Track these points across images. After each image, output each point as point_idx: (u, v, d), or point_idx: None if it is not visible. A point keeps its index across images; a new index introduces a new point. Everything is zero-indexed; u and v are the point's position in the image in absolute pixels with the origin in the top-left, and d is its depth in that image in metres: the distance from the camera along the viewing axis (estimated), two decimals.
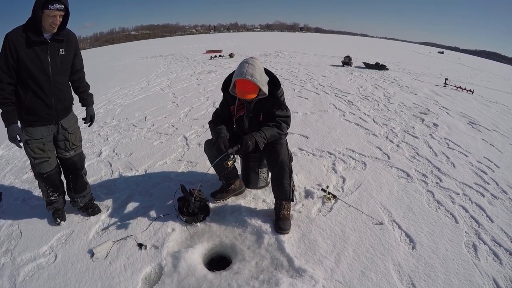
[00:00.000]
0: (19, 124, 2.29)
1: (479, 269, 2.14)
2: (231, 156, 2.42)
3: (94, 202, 2.92)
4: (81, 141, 2.71)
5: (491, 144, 4.47)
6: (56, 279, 2.16)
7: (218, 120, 2.73)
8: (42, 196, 2.68)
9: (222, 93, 2.71)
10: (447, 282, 2.04)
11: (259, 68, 2.38)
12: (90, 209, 2.82)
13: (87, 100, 2.69)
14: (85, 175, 2.84)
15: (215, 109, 2.91)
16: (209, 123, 2.78)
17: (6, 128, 2.21)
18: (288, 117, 2.63)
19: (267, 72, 2.53)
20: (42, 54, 2.19)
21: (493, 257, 2.26)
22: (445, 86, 8.96)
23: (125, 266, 2.23)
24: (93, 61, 18.15)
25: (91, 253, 2.36)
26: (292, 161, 2.64)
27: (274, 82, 2.53)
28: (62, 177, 2.72)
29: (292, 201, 2.63)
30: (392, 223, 2.63)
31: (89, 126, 2.77)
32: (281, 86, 2.58)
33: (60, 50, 2.30)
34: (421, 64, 16.12)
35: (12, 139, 2.22)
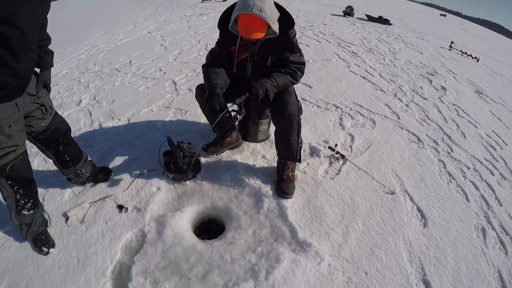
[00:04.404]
0: None
1: (487, 257, 1.97)
2: (241, 110, 1.99)
3: (97, 165, 2.39)
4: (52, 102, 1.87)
5: (498, 118, 4.23)
6: (28, 247, 1.86)
7: (215, 63, 2.18)
8: (9, 213, 1.76)
9: (218, 32, 2.17)
10: (455, 269, 1.86)
11: (269, 1, 1.83)
12: (102, 173, 2.32)
13: (43, 60, 1.69)
14: None
15: (207, 52, 2.36)
16: (203, 66, 2.21)
17: None
18: (303, 63, 2.16)
19: (278, 6, 1.96)
20: None
21: (499, 245, 2.09)
22: (450, 49, 8.55)
23: (103, 232, 1.93)
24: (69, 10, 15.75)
25: (66, 217, 2.04)
26: (301, 113, 2.21)
27: (286, 19, 1.99)
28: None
29: (299, 161, 2.26)
30: (404, 193, 2.40)
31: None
32: (295, 24, 2.05)
33: None
34: (424, 23, 15.39)
35: None
